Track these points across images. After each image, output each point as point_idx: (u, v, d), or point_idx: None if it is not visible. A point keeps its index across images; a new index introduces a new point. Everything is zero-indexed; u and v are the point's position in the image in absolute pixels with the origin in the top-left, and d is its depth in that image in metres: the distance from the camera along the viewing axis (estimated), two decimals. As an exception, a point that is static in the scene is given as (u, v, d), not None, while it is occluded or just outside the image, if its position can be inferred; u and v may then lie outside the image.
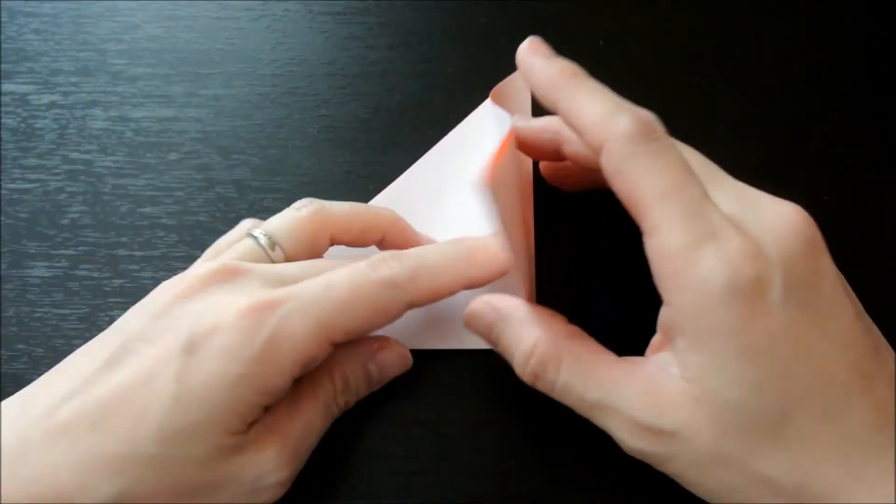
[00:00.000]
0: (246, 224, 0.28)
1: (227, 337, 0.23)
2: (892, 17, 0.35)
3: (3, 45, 0.35)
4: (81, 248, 0.32)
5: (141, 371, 0.22)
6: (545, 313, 0.25)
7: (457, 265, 0.26)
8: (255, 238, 0.27)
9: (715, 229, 0.21)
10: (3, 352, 0.30)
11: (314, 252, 0.27)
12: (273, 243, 0.26)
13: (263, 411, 0.24)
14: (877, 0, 0.35)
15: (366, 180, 0.32)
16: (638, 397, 0.22)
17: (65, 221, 0.32)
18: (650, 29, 0.35)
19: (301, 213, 0.27)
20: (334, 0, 0.35)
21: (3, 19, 0.36)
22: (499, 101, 0.27)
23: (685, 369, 0.22)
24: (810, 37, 0.34)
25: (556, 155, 0.28)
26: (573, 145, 0.27)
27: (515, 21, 0.35)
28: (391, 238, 0.29)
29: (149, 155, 0.33)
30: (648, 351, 0.24)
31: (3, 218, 0.32)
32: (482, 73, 0.34)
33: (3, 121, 0.34)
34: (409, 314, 0.26)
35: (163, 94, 0.34)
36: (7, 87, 0.34)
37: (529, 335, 0.24)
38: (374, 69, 0.34)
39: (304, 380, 0.26)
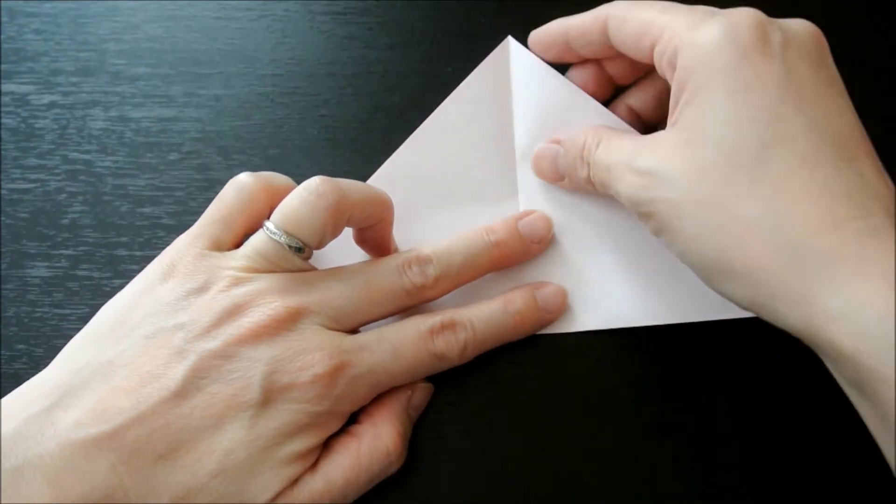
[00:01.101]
0: (244, 182, 0.27)
1: (301, 395, 0.24)
2: (893, 18, 0.35)
3: (3, 45, 0.35)
4: (81, 248, 0.32)
5: (212, 414, 0.23)
6: (599, 127, 0.28)
7: (501, 335, 0.29)
8: (277, 239, 0.26)
9: (718, 12, 0.24)
10: (3, 352, 0.30)
11: (333, 237, 0.27)
12: (297, 244, 0.26)
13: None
14: (878, 1, 0.35)
15: (366, 180, 0.32)
16: (634, 148, 0.25)
17: (65, 221, 0.32)
18: (650, 29, 0.34)
19: (320, 203, 0.25)
20: (334, 0, 0.35)
21: (3, 19, 0.36)
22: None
23: (679, 121, 0.23)
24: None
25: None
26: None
27: (515, 21, 0.35)
28: (380, 227, 0.28)
29: (149, 155, 0.33)
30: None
31: (3, 218, 0.32)
32: (482, 73, 0.34)
33: (3, 121, 0.34)
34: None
35: (163, 94, 0.34)
36: (7, 87, 0.34)
37: (582, 137, 0.28)
38: (374, 69, 0.34)
39: (355, 445, 0.26)
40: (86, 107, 0.34)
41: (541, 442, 0.29)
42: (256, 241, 0.26)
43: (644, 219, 0.25)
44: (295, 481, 0.25)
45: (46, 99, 0.34)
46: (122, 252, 0.32)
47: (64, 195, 0.33)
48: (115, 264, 0.31)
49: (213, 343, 0.24)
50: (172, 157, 0.33)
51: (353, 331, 0.27)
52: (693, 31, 0.23)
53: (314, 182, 0.26)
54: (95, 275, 0.31)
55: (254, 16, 0.35)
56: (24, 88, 0.34)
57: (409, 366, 0.27)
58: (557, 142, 0.30)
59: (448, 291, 0.28)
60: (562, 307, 0.30)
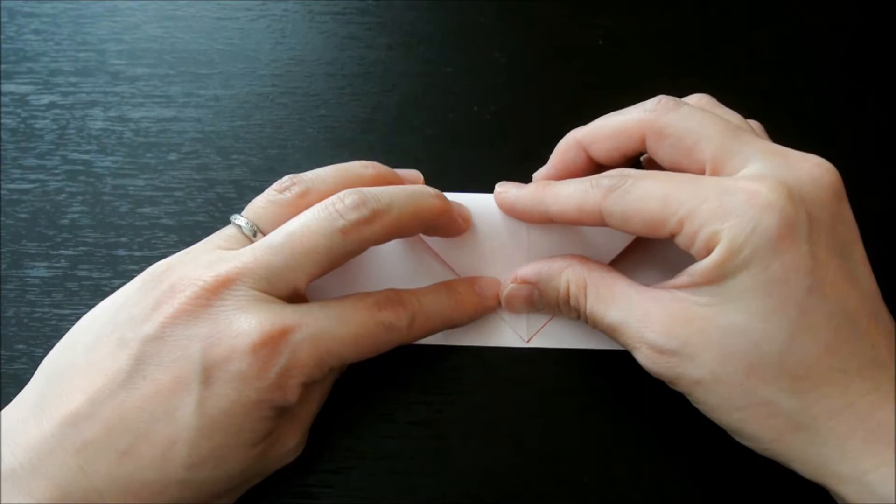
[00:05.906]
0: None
1: (241, 366, 0.23)
2: (892, 18, 0.35)
3: (3, 45, 0.35)
4: (81, 248, 0.32)
5: (160, 400, 0.23)
6: (569, 258, 0.28)
7: (446, 312, 0.28)
8: (239, 226, 0.26)
9: (729, 185, 0.23)
10: (3, 352, 0.30)
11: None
12: (255, 230, 0.26)
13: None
14: (876, 1, 0.35)
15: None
16: (650, 319, 0.24)
17: (65, 221, 0.32)
18: (650, 29, 0.34)
19: (284, 197, 0.26)
20: (334, 0, 0.35)
21: (3, 19, 0.36)
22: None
23: (701, 299, 0.23)
24: (810, 38, 0.34)
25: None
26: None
27: (515, 21, 0.35)
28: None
29: (148, 155, 0.33)
30: (667, 284, 0.25)
31: (3, 218, 0.32)
32: (482, 73, 0.34)
33: (3, 121, 0.34)
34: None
35: (162, 94, 0.34)
36: (7, 87, 0.34)
37: (563, 282, 0.27)
38: (374, 69, 0.34)
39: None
40: (85, 107, 0.34)
41: (541, 441, 0.29)
42: (221, 232, 0.27)
43: (667, 382, 0.25)
44: (264, 441, 0.25)
45: (46, 99, 0.34)
46: (122, 252, 0.32)
47: (63, 195, 0.33)
48: (115, 264, 0.31)
49: (149, 327, 0.24)
50: (172, 157, 0.33)
51: (296, 296, 0.26)
52: (722, 222, 0.22)
53: (281, 182, 0.27)
54: (95, 275, 0.31)
55: (253, 16, 0.35)
56: (23, 88, 0.34)
57: (356, 333, 0.25)
58: (527, 281, 0.28)
59: (389, 234, 0.26)
60: (497, 294, 0.29)
